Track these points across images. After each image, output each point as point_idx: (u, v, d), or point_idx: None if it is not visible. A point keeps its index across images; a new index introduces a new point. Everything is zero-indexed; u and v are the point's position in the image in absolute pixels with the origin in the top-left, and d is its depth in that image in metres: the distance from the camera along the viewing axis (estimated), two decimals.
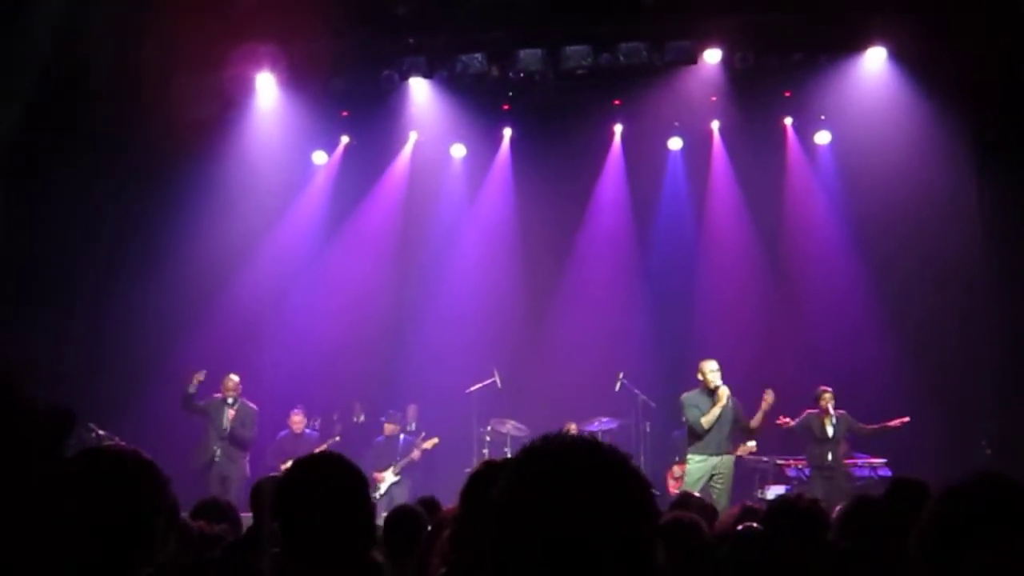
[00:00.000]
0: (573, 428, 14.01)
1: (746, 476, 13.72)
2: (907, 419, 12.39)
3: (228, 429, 12.93)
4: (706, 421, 11.72)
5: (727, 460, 11.77)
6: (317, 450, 13.47)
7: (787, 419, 12.58)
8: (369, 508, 3.04)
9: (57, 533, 2.36)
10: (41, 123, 11.25)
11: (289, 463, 10.58)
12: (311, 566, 2.87)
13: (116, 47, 11.99)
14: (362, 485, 3.02)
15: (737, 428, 11.91)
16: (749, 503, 6.91)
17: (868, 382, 14.03)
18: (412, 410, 15.03)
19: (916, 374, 13.94)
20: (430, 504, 6.47)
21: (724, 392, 11.81)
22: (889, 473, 12.22)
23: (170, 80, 13.32)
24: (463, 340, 15.14)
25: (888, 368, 14.26)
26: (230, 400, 13.02)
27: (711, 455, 11.75)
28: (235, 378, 13.16)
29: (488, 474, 3.84)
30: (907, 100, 14.11)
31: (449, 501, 4.38)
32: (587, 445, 1.74)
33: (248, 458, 13.13)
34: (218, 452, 12.87)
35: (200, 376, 12.88)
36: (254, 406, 13.20)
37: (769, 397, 12.26)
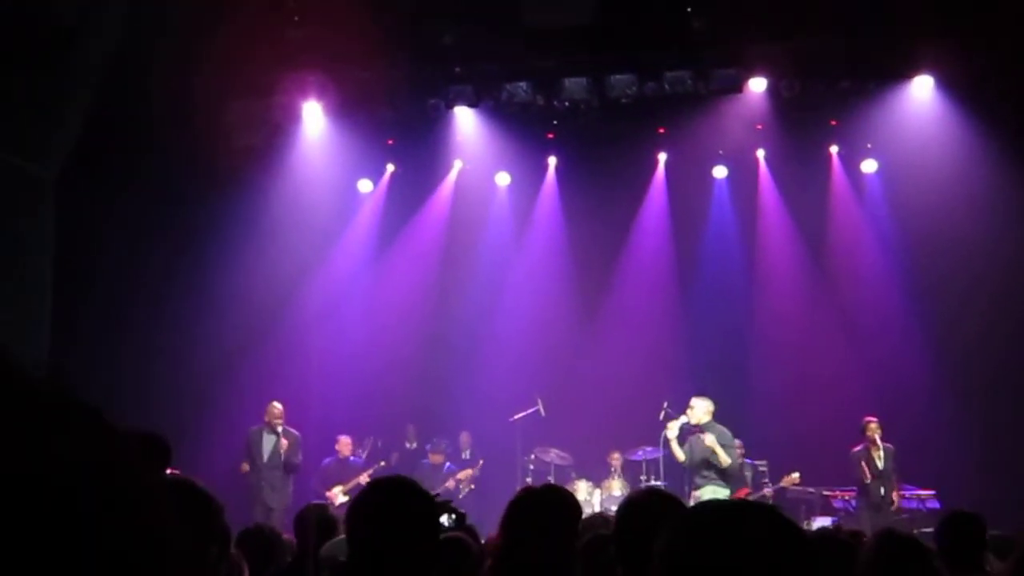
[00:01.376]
0: (617, 457, 14.00)
1: (792, 507, 13.58)
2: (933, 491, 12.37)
3: (271, 456, 12.91)
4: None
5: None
6: (364, 476, 13.55)
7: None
8: (436, 535, 3.05)
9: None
10: (95, 147, 11.40)
11: (335, 489, 10.60)
12: None
13: (170, 72, 12.15)
14: (432, 511, 3.03)
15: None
16: None
17: (918, 412, 13.89)
18: (465, 437, 14.98)
19: (966, 403, 13.79)
20: (469, 532, 6.45)
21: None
22: (938, 505, 12.08)
23: (221, 106, 13.48)
24: (507, 368, 15.13)
25: (937, 397, 14.11)
26: (278, 429, 13.01)
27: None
28: (279, 406, 13.07)
29: (527, 502, 3.85)
30: (955, 128, 14.02)
31: (492, 529, 4.38)
32: (764, 509, 1.78)
33: (292, 485, 13.13)
34: (264, 487, 12.78)
35: (245, 467, 12.93)
36: (297, 432, 13.21)
37: (795, 478, 12.47)
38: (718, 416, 13.79)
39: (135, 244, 13.73)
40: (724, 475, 11.53)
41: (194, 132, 13.17)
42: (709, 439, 11.49)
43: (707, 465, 11.54)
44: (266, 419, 13.00)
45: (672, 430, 11.78)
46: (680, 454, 11.78)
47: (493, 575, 3.56)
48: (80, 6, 8.86)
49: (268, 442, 12.97)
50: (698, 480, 11.65)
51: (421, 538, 2.93)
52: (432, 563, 2.99)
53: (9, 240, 9.37)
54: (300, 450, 13.13)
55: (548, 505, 3.67)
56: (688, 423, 11.80)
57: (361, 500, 3.02)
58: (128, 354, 13.72)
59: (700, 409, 11.75)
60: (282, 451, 12.87)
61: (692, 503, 11.51)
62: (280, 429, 12.93)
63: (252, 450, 12.97)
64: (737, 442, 13.78)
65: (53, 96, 9.39)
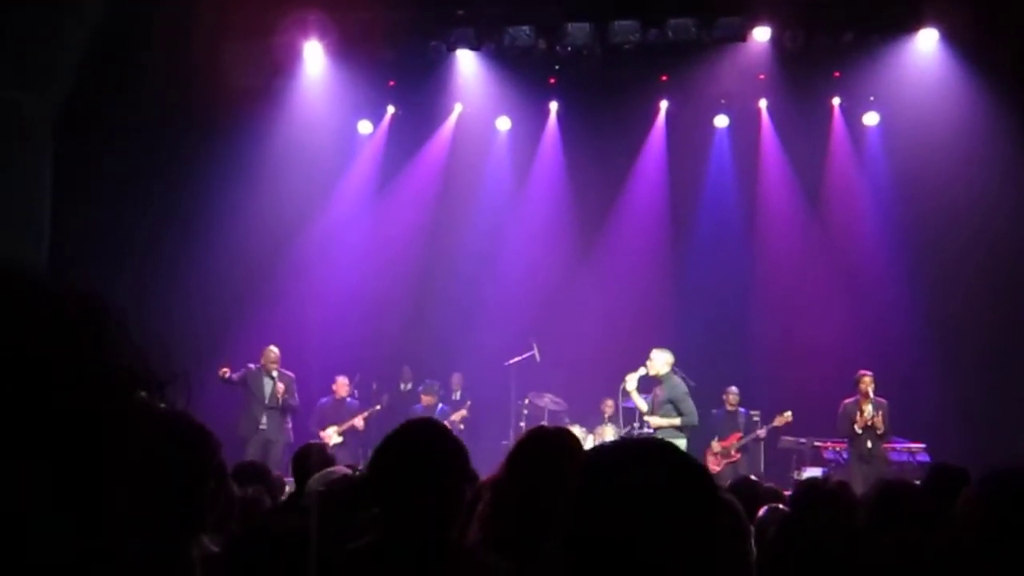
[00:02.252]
0: (610, 404, 14.08)
1: (783, 457, 13.74)
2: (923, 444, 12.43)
3: (271, 398, 13.07)
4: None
5: None
6: (359, 418, 13.66)
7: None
8: (465, 479, 3.07)
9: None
10: (93, 85, 11.34)
11: (330, 429, 10.67)
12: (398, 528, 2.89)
13: (169, 10, 12.07)
14: (464, 456, 3.04)
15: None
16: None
17: (913, 366, 13.97)
18: (457, 378, 15.07)
19: (961, 358, 13.86)
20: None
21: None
22: (928, 459, 12.17)
23: (220, 46, 13.39)
24: (504, 312, 15.17)
25: (930, 353, 14.17)
26: (274, 373, 13.14)
27: None
28: (275, 350, 13.28)
29: (535, 442, 3.87)
30: (959, 83, 13.96)
31: (485, 472, 4.40)
32: (661, 447, 1.78)
33: (291, 424, 13.28)
34: (263, 420, 13.02)
35: (225, 371, 12.98)
36: (291, 373, 13.35)
37: (787, 416, 12.71)
38: (716, 363, 13.94)
39: (132, 184, 13.70)
40: (681, 426, 11.55)
41: (193, 72, 13.10)
42: (635, 396, 11.56)
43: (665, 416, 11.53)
44: (262, 362, 13.16)
45: (631, 382, 11.77)
46: (642, 404, 11.80)
47: (492, 511, 3.57)
48: None
49: (267, 384, 13.18)
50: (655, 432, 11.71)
51: (454, 480, 2.95)
52: (461, 507, 3.01)
53: (8, 176, 9.36)
54: (295, 391, 13.30)
55: (563, 451, 3.68)
56: (647, 374, 11.81)
57: (392, 440, 3.01)
58: (124, 295, 13.68)
59: (659, 361, 11.72)
60: (279, 395, 13.05)
61: None
62: (275, 373, 13.11)
63: (252, 388, 13.16)
64: (733, 389, 13.90)
65: (52, 34, 9.34)
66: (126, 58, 12.46)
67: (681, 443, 11.41)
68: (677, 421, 11.30)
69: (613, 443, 1.82)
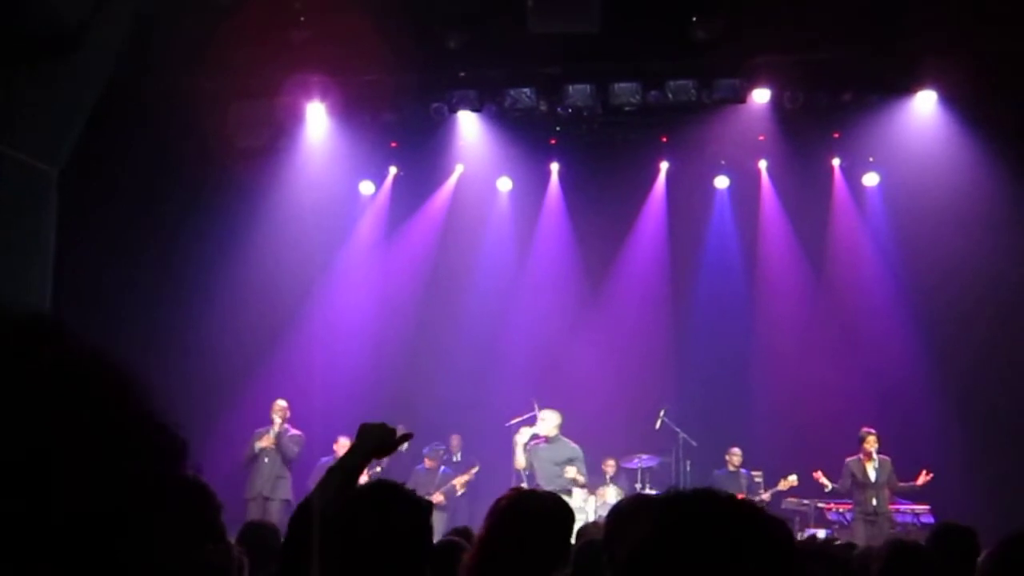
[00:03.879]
0: (612, 464, 14.01)
1: (787, 518, 13.62)
2: (931, 476, 12.34)
3: (270, 449, 13.05)
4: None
5: None
6: (364, 478, 13.54)
7: (822, 478, 12.52)
8: (428, 541, 3.03)
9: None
10: (99, 145, 11.43)
11: None
12: None
13: (171, 72, 12.19)
14: (424, 518, 3.01)
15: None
16: None
17: (916, 427, 13.90)
18: (456, 440, 15.01)
19: (966, 420, 13.81)
20: (464, 534, 6.48)
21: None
22: (932, 520, 12.09)
23: (223, 107, 13.50)
24: (505, 373, 15.14)
25: (935, 412, 14.12)
26: (277, 419, 13.13)
27: None
28: (283, 403, 13.27)
29: (515, 503, 3.85)
30: (958, 144, 14.03)
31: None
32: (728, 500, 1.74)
33: (291, 483, 13.18)
34: (262, 473, 13.00)
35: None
36: (299, 432, 13.32)
37: (792, 480, 12.83)
38: (718, 423, 13.91)
39: (134, 243, 13.73)
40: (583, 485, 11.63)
41: (197, 132, 13.19)
42: (570, 471, 11.45)
43: (557, 477, 11.48)
44: (271, 415, 13.16)
45: (523, 436, 11.77)
46: (521, 460, 11.73)
47: (474, 566, 3.55)
48: (86, 6, 8.90)
49: (269, 435, 13.17)
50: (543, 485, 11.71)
51: (412, 546, 2.92)
52: (422, 568, 2.98)
53: (12, 233, 9.40)
54: (299, 446, 13.27)
55: (527, 515, 3.63)
56: (537, 434, 11.79)
57: (348, 507, 2.99)
58: (126, 348, 13.69)
59: (549, 422, 11.73)
60: (281, 435, 13.08)
61: None
62: (278, 421, 13.15)
63: (253, 443, 13.17)
64: (735, 450, 13.83)
65: (59, 94, 9.43)
66: (130, 118, 12.55)
67: (571, 501, 11.49)
68: (583, 480, 11.37)
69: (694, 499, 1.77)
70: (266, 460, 13.06)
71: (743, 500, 1.76)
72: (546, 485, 11.22)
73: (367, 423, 3.46)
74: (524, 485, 13.50)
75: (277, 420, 13.17)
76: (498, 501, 3.72)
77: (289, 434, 13.20)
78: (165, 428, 0.94)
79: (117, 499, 0.84)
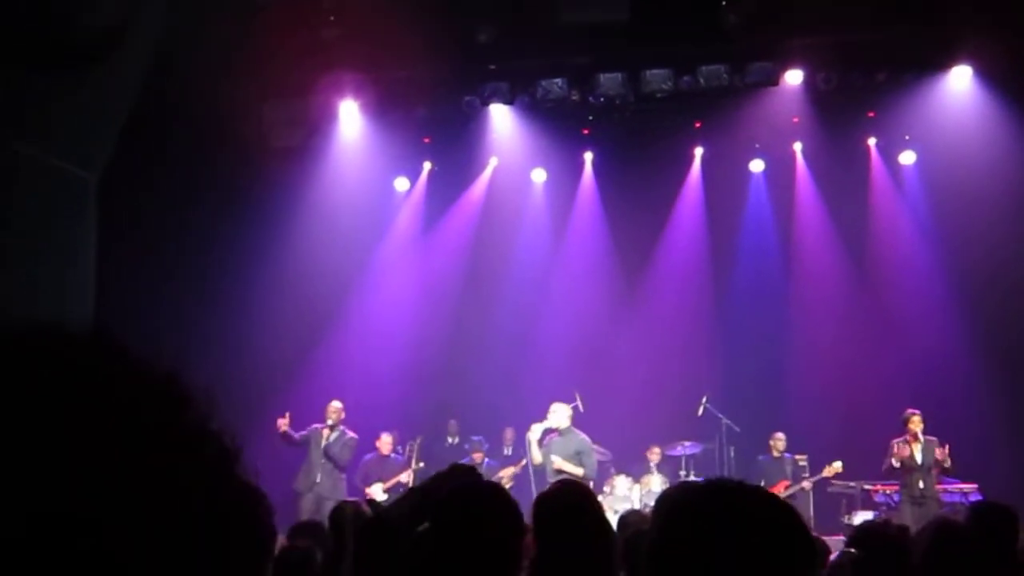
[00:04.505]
0: (656, 452, 14.00)
1: (833, 501, 13.55)
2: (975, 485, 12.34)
3: (325, 451, 13.13)
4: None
5: None
6: (405, 474, 13.61)
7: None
8: (521, 539, 3.05)
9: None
10: (135, 149, 11.52)
11: (375, 486, 10.61)
12: None
13: (208, 73, 12.26)
14: (518, 520, 3.03)
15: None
16: None
17: (960, 405, 13.80)
18: (509, 433, 14.96)
19: (1009, 397, 13.68)
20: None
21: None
22: (981, 499, 11.98)
23: (257, 107, 13.59)
24: (546, 364, 15.14)
25: (980, 391, 14.02)
26: (330, 422, 13.20)
27: None
28: (337, 404, 13.28)
29: (558, 495, 3.87)
30: (994, 119, 13.90)
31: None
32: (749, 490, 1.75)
33: (346, 482, 13.22)
34: (319, 476, 13.03)
35: (283, 421, 13.07)
36: (354, 434, 13.36)
37: (837, 467, 12.80)
38: (761, 408, 13.86)
39: (173, 245, 13.84)
40: (583, 477, 11.46)
41: (232, 134, 13.28)
42: (567, 467, 11.29)
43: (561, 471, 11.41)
44: (325, 417, 13.25)
45: (535, 432, 11.70)
46: (537, 456, 11.66)
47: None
48: (121, 10, 8.97)
49: (324, 437, 13.21)
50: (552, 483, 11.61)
51: (511, 543, 2.94)
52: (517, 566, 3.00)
53: (53, 241, 9.50)
54: (350, 450, 13.29)
55: (571, 507, 3.68)
56: (549, 427, 11.75)
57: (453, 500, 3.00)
58: (168, 356, 13.81)
59: (559, 415, 11.68)
60: (329, 448, 13.09)
61: None
62: (331, 423, 13.18)
63: (312, 445, 13.21)
64: (779, 435, 13.75)
65: (95, 100, 9.51)
66: (164, 122, 12.65)
67: (616, 490, 12.04)
68: (580, 472, 11.17)
69: (703, 489, 1.78)
70: (323, 461, 13.12)
71: (762, 494, 1.76)
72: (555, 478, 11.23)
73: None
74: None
75: (331, 426, 13.17)
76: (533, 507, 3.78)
77: (345, 439, 13.23)
78: (220, 437, 0.95)
79: (176, 515, 0.86)
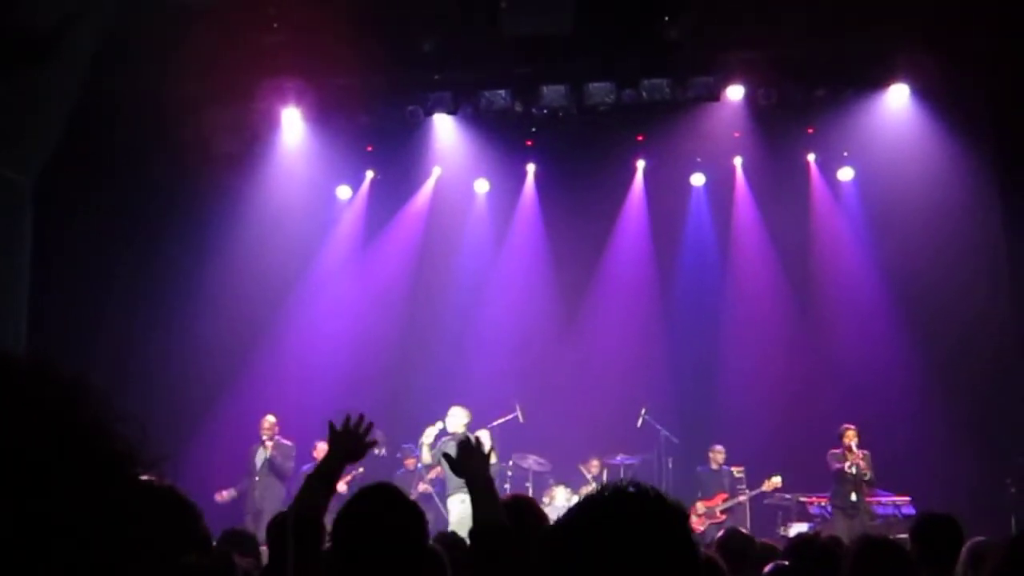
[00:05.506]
0: (595, 464, 14.04)
1: (769, 513, 13.69)
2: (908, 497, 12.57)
3: (261, 468, 13.12)
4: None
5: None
6: (341, 483, 13.51)
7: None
8: (423, 544, 3.05)
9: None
10: (69, 156, 11.38)
11: None
12: None
13: (145, 78, 12.14)
14: (419, 521, 3.03)
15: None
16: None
17: (895, 418, 13.97)
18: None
19: (944, 411, 13.87)
20: (450, 540, 6.47)
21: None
22: (913, 511, 12.15)
23: (198, 112, 13.47)
24: (485, 374, 15.12)
25: (916, 404, 14.19)
26: (265, 437, 13.17)
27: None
28: (271, 419, 13.32)
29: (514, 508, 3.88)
30: (930, 135, 14.14)
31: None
32: (640, 495, 1.76)
33: (286, 493, 13.11)
34: (257, 490, 13.08)
35: (222, 495, 13.09)
36: (290, 443, 13.32)
37: (776, 481, 13.02)
38: (699, 421, 13.97)
39: (111, 250, 13.68)
40: None
41: (172, 138, 13.15)
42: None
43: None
44: (259, 432, 13.19)
45: (427, 436, 12.07)
46: (427, 458, 12.07)
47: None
48: (60, 14, 8.86)
49: (260, 455, 13.25)
50: (449, 487, 11.79)
51: (407, 548, 2.93)
52: (416, 568, 2.99)
53: None
54: (290, 458, 13.30)
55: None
56: (444, 429, 11.88)
57: (348, 510, 3.02)
58: (103, 362, 13.66)
59: (455, 418, 12.06)
60: (273, 459, 13.02)
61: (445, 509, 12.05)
62: (267, 440, 13.20)
63: (248, 464, 13.26)
64: (718, 447, 13.86)
65: (32, 103, 9.38)
66: (104, 126, 12.51)
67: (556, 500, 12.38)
68: None
69: (591, 500, 1.80)
70: (257, 478, 13.09)
71: (640, 498, 1.77)
72: (453, 482, 11.38)
73: (336, 429, 3.63)
74: (507, 487, 13.56)
75: (267, 442, 13.21)
76: None
77: (283, 448, 13.21)
78: (118, 437, 0.95)
79: (63, 509, 0.85)
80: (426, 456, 11.98)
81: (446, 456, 3.86)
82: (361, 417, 3.84)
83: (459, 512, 11.62)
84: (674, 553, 1.67)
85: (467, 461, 3.76)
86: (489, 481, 3.73)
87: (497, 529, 3.54)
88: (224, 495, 13.11)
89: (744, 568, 5.16)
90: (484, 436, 11.78)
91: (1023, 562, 2.73)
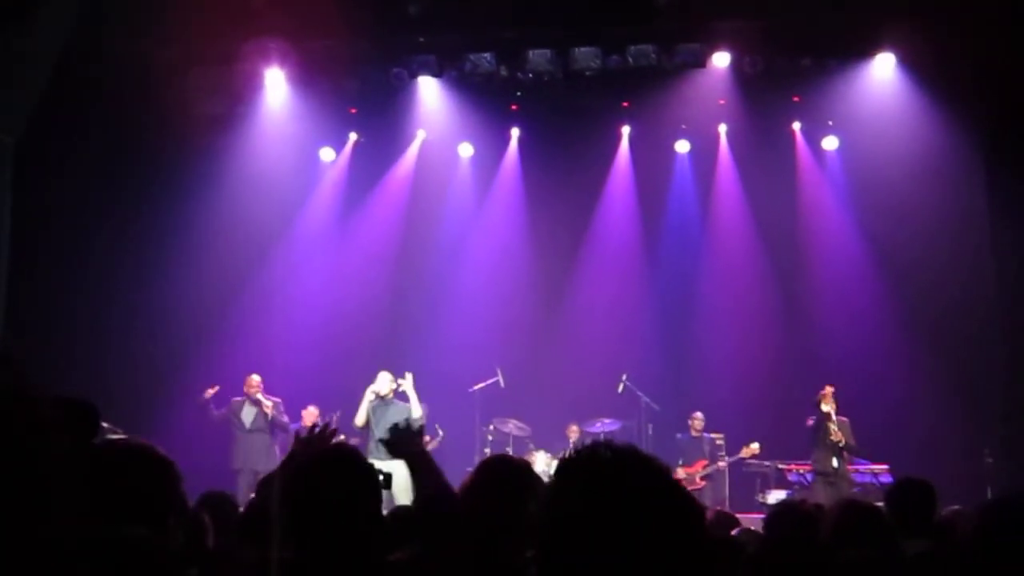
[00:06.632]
0: (575, 429, 14.08)
1: (747, 479, 13.78)
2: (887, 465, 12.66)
3: (252, 424, 13.13)
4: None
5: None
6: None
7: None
8: (377, 507, 3.03)
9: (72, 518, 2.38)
10: (51, 116, 11.28)
11: None
12: (321, 566, 2.86)
13: (128, 40, 12.03)
14: (373, 482, 3.01)
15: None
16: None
17: (875, 387, 14.04)
18: (424, 409, 14.94)
19: (924, 380, 13.94)
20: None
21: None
22: (891, 479, 12.23)
23: (181, 74, 13.35)
24: (467, 339, 15.15)
25: (895, 374, 14.27)
26: (257, 397, 13.17)
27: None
28: (256, 377, 13.32)
29: (491, 473, 3.88)
30: (915, 106, 14.13)
31: None
32: (633, 457, 1.73)
33: (279, 451, 13.08)
34: (250, 451, 13.05)
35: (211, 391, 13.02)
36: (277, 398, 13.38)
37: (755, 448, 13.13)
38: (679, 387, 14.03)
39: (93, 212, 13.61)
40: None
41: (157, 99, 13.05)
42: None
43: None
44: (245, 391, 13.18)
45: (368, 395, 12.22)
46: (361, 418, 12.16)
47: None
48: None
49: (248, 412, 13.22)
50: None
51: (362, 511, 2.92)
52: (375, 536, 2.98)
53: None
54: (283, 413, 13.35)
55: (520, 483, 3.73)
56: (378, 393, 12.17)
57: (297, 475, 3.01)
58: (84, 322, 13.62)
59: (380, 382, 12.24)
60: (268, 413, 13.07)
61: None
62: (260, 398, 13.14)
63: (233, 420, 13.23)
64: (698, 414, 13.91)
65: (13, 62, 9.28)
66: (86, 86, 12.39)
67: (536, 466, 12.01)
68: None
69: (587, 456, 1.77)
70: (254, 434, 13.04)
71: (623, 454, 1.75)
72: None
73: (300, 437, 3.92)
74: (487, 451, 13.60)
75: (263, 399, 13.20)
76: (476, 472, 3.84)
77: (275, 404, 13.20)
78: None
79: None
80: (360, 417, 12.16)
81: (382, 441, 4.02)
82: (325, 427, 4.03)
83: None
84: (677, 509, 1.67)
85: (400, 445, 3.90)
86: (424, 455, 3.89)
87: (443, 496, 3.65)
88: (208, 392, 13.11)
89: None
90: (415, 406, 12.03)
91: (993, 530, 2.74)
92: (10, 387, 0.92)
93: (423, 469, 3.81)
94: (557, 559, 1.64)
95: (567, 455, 1.80)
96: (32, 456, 0.94)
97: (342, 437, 13.33)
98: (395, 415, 11.67)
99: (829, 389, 12.52)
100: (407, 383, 12.21)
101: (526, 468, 3.89)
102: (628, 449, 1.73)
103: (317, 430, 4.00)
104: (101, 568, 2.19)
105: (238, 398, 13.27)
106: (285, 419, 13.31)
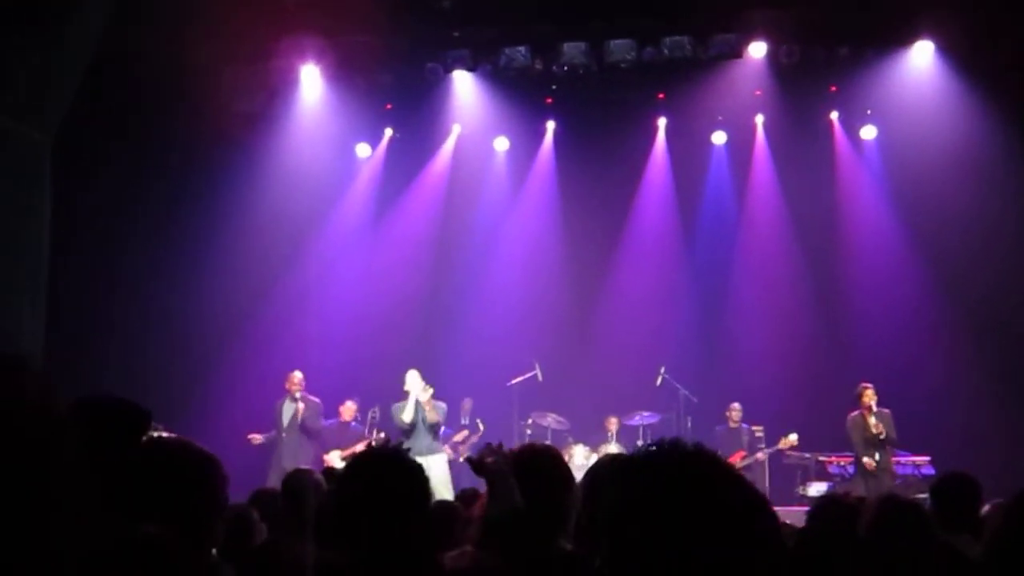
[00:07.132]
0: (614, 422, 14.05)
1: (788, 472, 13.69)
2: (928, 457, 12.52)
3: (289, 424, 13.04)
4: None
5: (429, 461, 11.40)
6: (362, 443, 13.57)
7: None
8: (425, 509, 3.04)
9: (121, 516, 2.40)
10: (88, 114, 11.35)
11: (333, 453, 10.65)
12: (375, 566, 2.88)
13: (165, 37, 12.08)
14: (421, 484, 3.03)
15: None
16: None
17: (915, 377, 13.93)
18: (467, 403, 14.95)
19: (967, 370, 13.82)
20: (470, 496, 6.49)
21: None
22: (933, 471, 12.13)
23: (217, 71, 13.41)
24: (505, 333, 15.16)
25: (934, 363, 14.15)
26: (296, 395, 13.11)
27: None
28: (299, 375, 13.15)
29: (526, 461, 3.89)
30: (954, 94, 13.99)
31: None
32: (704, 457, 1.72)
33: (313, 451, 13.08)
34: (283, 444, 12.97)
35: (258, 439, 13.12)
36: (317, 399, 13.28)
37: (792, 439, 13.01)
38: (718, 379, 14.00)
39: (128, 211, 13.68)
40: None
41: (192, 97, 13.12)
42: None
43: (431, 429, 12.08)
44: (286, 387, 13.13)
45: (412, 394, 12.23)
46: (410, 415, 12.14)
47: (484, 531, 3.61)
48: None
49: (288, 410, 13.10)
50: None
51: (409, 513, 2.94)
52: (421, 531, 2.99)
53: (7, 202, 9.36)
54: (319, 416, 13.22)
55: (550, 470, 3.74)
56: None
57: (347, 475, 3.03)
58: (124, 320, 13.72)
59: (412, 380, 12.24)
60: (299, 416, 12.98)
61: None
62: (298, 395, 13.06)
63: (276, 420, 13.14)
64: (736, 405, 13.84)
65: (49, 61, 9.36)
66: (122, 84, 12.47)
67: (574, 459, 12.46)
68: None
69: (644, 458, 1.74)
70: (284, 435, 13.03)
71: (707, 461, 1.72)
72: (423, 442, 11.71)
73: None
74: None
75: (296, 395, 13.08)
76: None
77: (312, 406, 13.12)
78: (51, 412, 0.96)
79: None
80: (407, 415, 12.16)
81: (468, 460, 3.96)
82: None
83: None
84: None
85: (485, 463, 3.82)
86: (506, 478, 3.80)
87: (515, 514, 3.62)
88: (258, 437, 13.11)
89: None
90: (409, 405, 12.10)
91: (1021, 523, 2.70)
92: (24, 393, 0.93)
93: (501, 491, 3.73)
94: (638, 559, 1.62)
95: (634, 453, 1.77)
96: (41, 461, 0.95)
97: (382, 435, 13.45)
98: (430, 413, 11.80)
99: (868, 386, 12.39)
100: (410, 381, 12.17)
101: (558, 457, 3.89)
102: (697, 447, 1.71)
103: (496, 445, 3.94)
104: (109, 568, 2.21)
105: (280, 399, 13.26)
106: (319, 424, 13.20)
